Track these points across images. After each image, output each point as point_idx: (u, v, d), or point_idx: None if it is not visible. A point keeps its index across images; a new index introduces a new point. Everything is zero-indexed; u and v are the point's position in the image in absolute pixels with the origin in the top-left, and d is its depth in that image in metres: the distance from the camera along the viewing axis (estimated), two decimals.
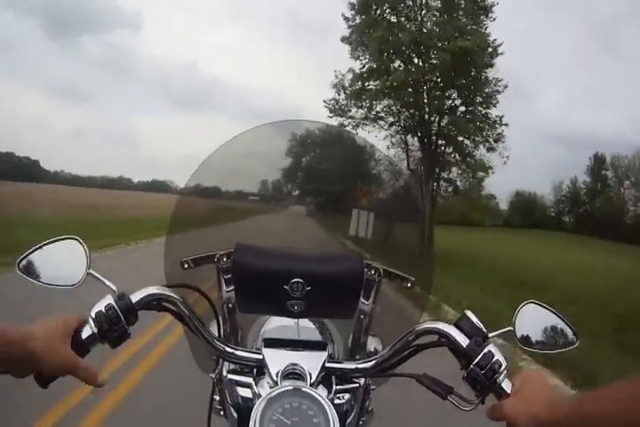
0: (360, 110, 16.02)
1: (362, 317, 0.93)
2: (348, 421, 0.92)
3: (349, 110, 16.08)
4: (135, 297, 0.73)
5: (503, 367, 0.69)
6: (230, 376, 0.84)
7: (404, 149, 16.31)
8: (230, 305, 0.91)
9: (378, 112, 16.04)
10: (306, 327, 0.98)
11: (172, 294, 0.76)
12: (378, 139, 16.04)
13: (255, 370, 0.81)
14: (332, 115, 15.89)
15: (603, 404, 0.56)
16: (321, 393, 0.69)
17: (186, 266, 0.89)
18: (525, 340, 0.77)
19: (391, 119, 16.25)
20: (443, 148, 15.84)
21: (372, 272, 0.88)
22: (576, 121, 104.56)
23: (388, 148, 15.82)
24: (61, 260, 0.77)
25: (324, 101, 16.09)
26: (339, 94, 15.98)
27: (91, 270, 0.75)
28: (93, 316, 0.70)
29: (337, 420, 0.65)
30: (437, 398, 0.72)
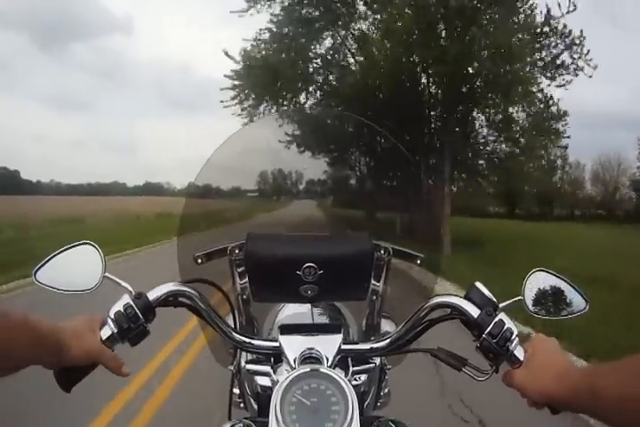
0: None
1: (374, 298, 0.94)
2: (367, 402, 0.93)
3: None
4: (152, 295, 0.74)
5: (515, 335, 0.69)
6: (248, 367, 0.85)
7: None
8: (245, 296, 0.92)
9: None
10: (320, 312, 1.00)
11: (188, 289, 0.77)
12: None
13: (273, 358, 0.82)
14: None
15: (613, 377, 0.55)
16: (338, 373, 0.69)
17: (199, 261, 0.90)
18: (536, 307, 0.76)
19: None
20: None
21: (382, 252, 0.88)
22: None
23: None
24: (76, 265, 0.77)
25: None
26: None
27: (107, 274, 0.76)
28: (112, 316, 0.71)
29: (355, 399, 0.65)
30: None
